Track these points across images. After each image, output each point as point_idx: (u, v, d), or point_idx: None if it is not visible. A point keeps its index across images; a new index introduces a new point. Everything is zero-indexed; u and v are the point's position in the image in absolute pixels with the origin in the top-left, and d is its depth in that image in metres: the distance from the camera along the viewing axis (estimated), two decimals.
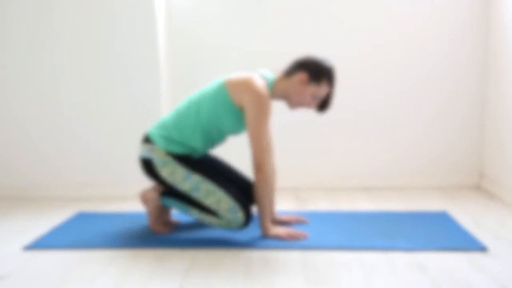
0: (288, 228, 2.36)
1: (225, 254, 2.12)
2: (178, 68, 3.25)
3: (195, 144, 2.28)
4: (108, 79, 3.06)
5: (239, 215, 2.21)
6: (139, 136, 3.08)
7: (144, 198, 2.42)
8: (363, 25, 3.15)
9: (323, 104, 2.31)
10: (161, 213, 2.40)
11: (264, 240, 2.24)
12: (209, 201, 2.23)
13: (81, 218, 2.67)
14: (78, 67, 3.06)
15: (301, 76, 2.23)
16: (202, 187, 2.23)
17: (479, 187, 3.20)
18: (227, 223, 2.23)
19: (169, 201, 2.36)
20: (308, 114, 3.21)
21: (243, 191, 2.33)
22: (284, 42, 3.18)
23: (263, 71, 2.32)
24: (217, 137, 2.33)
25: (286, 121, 3.24)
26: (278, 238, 2.24)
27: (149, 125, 3.07)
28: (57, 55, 3.06)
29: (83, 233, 2.42)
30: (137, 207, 2.82)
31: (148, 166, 2.31)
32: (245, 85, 2.19)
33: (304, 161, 3.26)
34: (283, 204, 2.85)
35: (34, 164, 3.17)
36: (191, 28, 3.21)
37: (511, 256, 2.03)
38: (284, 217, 2.49)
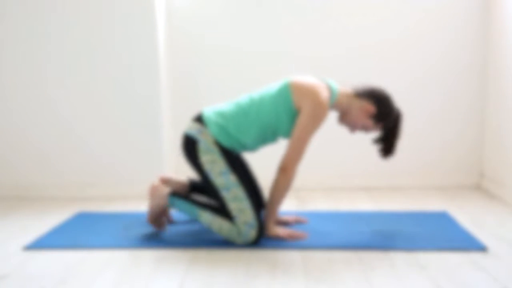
0: (288, 228, 2.36)
1: (225, 254, 2.12)
2: (178, 68, 3.25)
3: (248, 141, 2.25)
4: (108, 79, 3.06)
5: (252, 233, 2.18)
6: (139, 137, 3.09)
7: (153, 192, 2.36)
8: (362, 25, 3.15)
9: (387, 150, 2.33)
10: (163, 211, 2.39)
11: (264, 240, 2.24)
12: (233, 206, 2.19)
13: (81, 218, 2.67)
14: (78, 67, 3.06)
15: (370, 108, 2.24)
16: (233, 189, 2.19)
17: (479, 187, 3.20)
18: (237, 234, 2.19)
19: (177, 203, 2.31)
20: None
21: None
22: (284, 42, 3.18)
23: (330, 81, 2.30)
24: (270, 138, 2.30)
25: None
26: (278, 238, 2.24)
27: (149, 125, 3.08)
28: (58, 56, 3.06)
29: (83, 233, 2.42)
30: (137, 207, 2.82)
31: (191, 145, 2.25)
32: (311, 91, 2.18)
33: (304, 161, 3.25)
34: (284, 204, 2.85)
35: (34, 164, 3.17)
36: (191, 28, 3.21)
37: (511, 256, 2.03)
38: (284, 217, 2.49)
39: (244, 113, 2.24)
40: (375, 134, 2.38)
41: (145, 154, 3.10)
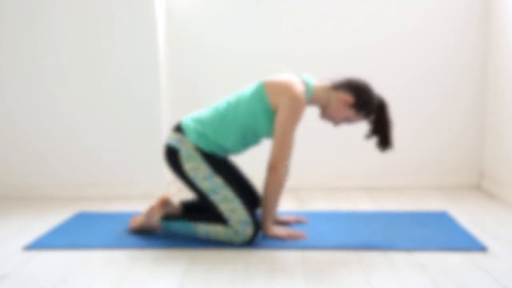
0: (288, 228, 2.36)
1: (225, 254, 2.12)
2: (178, 68, 3.25)
3: (228, 144, 2.25)
4: (107, 79, 3.06)
5: (248, 230, 2.18)
6: (139, 136, 3.09)
7: (149, 213, 2.35)
8: (362, 26, 3.15)
9: (383, 142, 2.31)
10: (151, 229, 2.37)
11: (264, 240, 2.24)
12: (223, 207, 2.19)
13: (81, 218, 2.67)
14: (78, 68, 3.06)
15: (348, 98, 2.22)
16: (220, 191, 2.20)
17: (479, 187, 3.20)
18: (234, 234, 2.19)
19: (171, 225, 2.30)
20: (308, 114, 3.22)
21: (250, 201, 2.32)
22: (284, 42, 3.18)
23: (305, 76, 2.29)
24: (252, 140, 2.30)
25: None
26: (277, 238, 2.24)
27: (149, 125, 3.08)
28: (57, 56, 3.06)
29: (83, 233, 2.42)
30: (137, 207, 2.82)
31: (173, 156, 2.26)
32: (284, 88, 2.18)
33: (304, 161, 3.26)
34: (283, 204, 2.85)
35: (34, 164, 3.17)
36: (191, 28, 3.21)
37: (511, 256, 2.03)
38: (284, 217, 2.49)
39: (221, 117, 2.25)
40: (368, 129, 2.34)
41: (145, 154, 3.10)
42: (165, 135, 3.12)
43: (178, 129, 2.29)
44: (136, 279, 1.90)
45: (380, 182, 3.25)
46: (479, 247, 2.10)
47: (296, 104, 2.16)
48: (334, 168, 3.27)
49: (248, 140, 2.29)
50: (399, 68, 3.17)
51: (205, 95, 3.22)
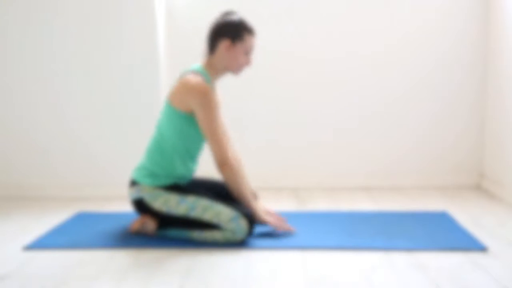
0: (279, 217, 2.34)
1: (225, 254, 2.12)
2: (178, 68, 3.23)
3: (179, 169, 2.29)
4: (107, 79, 3.06)
5: (242, 222, 2.18)
6: (138, 136, 3.09)
7: (143, 223, 2.33)
8: (364, 26, 3.15)
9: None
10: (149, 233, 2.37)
11: (264, 240, 2.24)
12: (208, 216, 2.20)
13: (81, 218, 2.67)
14: (78, 68, 3.06)
15: (224, 44, 2.23)
16: (197, 205, 2.21)
17: (479, 187, 3.20)
18: (232, 234, 2.19)
19: (167, 233, 2.30)
20: (308, 114, 3.22)
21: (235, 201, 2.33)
22: (285, 42, 3.18)
23: (192, 66, 2.31)
24: (194, 149, 2.32)
25: (286, 122, 3.24)
26: (266, 224, 2.25)
27: (149, 126, 3.07)
28: (57, 56, 3.06)
29: (83, 233, 2.42)
30: None
31: (140, 205, 2.29)
32: (184, 90, 2.20)
33: (304, 161, 3.27)
34: (283, 204, 2.85)
35: (34, 164, 3.17)
36: (191, 28, 3.21)
37: (511, 256, 2.03)
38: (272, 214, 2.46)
39: (155, 150, 2.29)
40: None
41: None
42: None
43: (133, 183, 2.32)
44: (136, 279, 1.90)
45: (380, 182, 3.25)
46: (479, 247, 2.10)
47: (203, 97, 2.17)
48: (334, 168, 3.27)
49: (191, 152, 2.32)
50: (399, 69, 3.17)
51: None
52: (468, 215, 2.58)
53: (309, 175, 3.26)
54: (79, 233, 2.42)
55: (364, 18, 3.14)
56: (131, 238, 2.32)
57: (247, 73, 3.17)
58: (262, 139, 3.25)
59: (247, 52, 2.28)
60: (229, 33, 2.24)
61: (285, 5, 3.16)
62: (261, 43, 3.23)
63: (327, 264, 1.99)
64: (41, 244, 2.28)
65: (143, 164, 2.34)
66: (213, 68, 2.30)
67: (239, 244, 2.20)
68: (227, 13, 2.31)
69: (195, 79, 2.20)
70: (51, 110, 3.11)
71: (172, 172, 2.28)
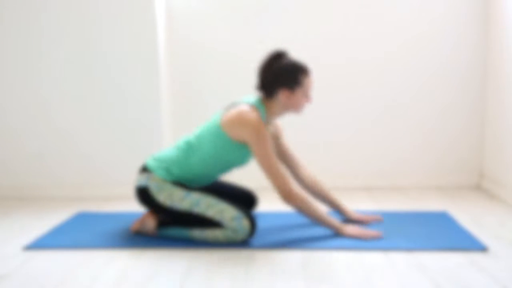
0: (361, 228, 2.33)
1: (225, 254, 2.12)
2: (178, 69, 3.25)
3: (194, 179, 2.29)
4: (107, 79, 3.06)
5: (244, 222, 2.17)
6: (138, 137, 3.10)
7: (143, 223, 2.34)
8: (365, 27, 3.15)
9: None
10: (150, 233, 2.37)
11: (264, 240, 2.24)
12: (211, 213, 2.20)
13: (81, 218, 2.67)
14: (77, 68, 3.06)
15: (283, 93, 2.22)
16: (202, 201, 2.21)
17: (479, 187, 3.20)
18: (233, 233, 2.18)
19: (167, 232, 2.30)
20: (308, 116, 3.23)
21: (243, 200, 2.34)
22: (285, 43, 3.17)
23: (250, 99, 2.28)
24: (219, 172, 2.33)
25: (286, 122, 3.24)
26: (353, 237, 2.23)
27: (149, 126, 3.08)
28: (57, 57, 3.06)
29: (83, 233, 2.42)
30: (137, 207, 2.82)
31: (144, 194, 2.28)
32: (237, 122, 2.19)
33: (304, 161, 3.26)
34: (283, 204, 2.84)
35: (34, 165, 3.17)
36: (191, 29, 3.21)
37: (511, 256, 2.03)
38: (360, 216, 2.49)
39: (185, 157, 2.27)
40: None
41: (145, 154, 3.09)
42: (165, 135, 3.12)
43: (144, 169, 2.31)
44: (136, 279, 1.90)
45: (381, 182, 3.25)
46: (479, 247, 2.10)
47: (258, 131, 2.16)
48: (334, 168, 3.27)
49: (215, 175, 2.33)
50: (400, 70, 3.17)
51: (205, 95, 3.23)
52: (468, 215, 2.58)
53: None
54: (79, 233, 2.42)
55: (364, 21, 3.14)
56: (131, 238, 2.32)
57: (246, 73, 3.18)
58: None
59: (307, 94, 2.27)
60: (287, 81, 2.21)
61: (286, 7, 3.16)
62: (263, 47, 3.23)
63: (327, 264, 1.99)
64: (41, 244, 2.28)
65: (164, 156, 2.31)
66: (272, 110, 2.28)
67: (240, 244, 2.20)
68: (279, 56, 2.25)
69: (251, 114, 2.18)
70: (50, 110, 3.11)
71: (186, 176, 2.28)
